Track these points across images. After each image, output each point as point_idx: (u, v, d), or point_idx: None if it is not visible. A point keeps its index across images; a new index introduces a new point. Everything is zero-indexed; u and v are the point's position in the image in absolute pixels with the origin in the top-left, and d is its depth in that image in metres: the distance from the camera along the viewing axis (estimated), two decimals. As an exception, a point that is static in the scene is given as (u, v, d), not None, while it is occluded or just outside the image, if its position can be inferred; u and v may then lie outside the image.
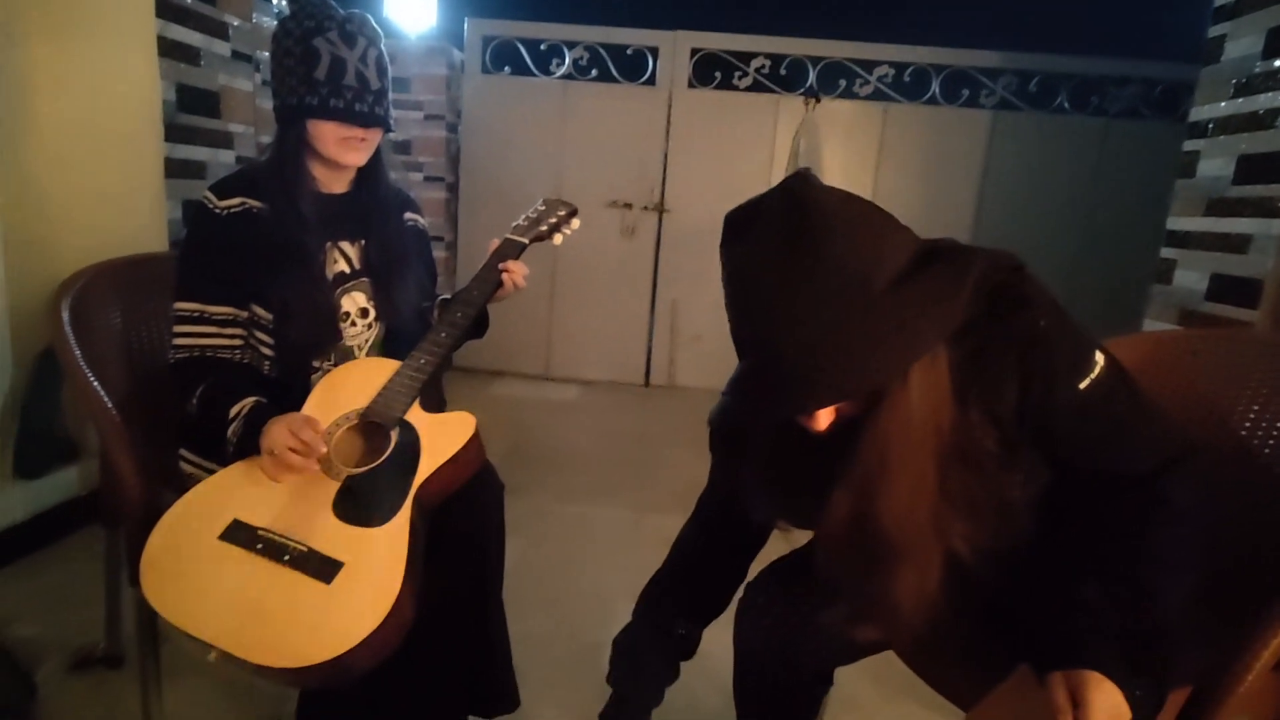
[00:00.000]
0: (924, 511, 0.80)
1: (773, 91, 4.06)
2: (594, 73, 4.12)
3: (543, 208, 1.45)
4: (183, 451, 1.26)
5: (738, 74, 4.08)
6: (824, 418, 0.78)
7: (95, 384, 1.25)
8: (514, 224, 1.42)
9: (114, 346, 1.41)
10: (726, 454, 1.05)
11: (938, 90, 3.99)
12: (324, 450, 1.06)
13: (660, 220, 4.16)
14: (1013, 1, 4.37)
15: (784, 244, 0.72)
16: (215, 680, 1.45)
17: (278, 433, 1.06)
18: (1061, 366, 0.79)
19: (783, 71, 4.06)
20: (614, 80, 4.11)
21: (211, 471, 1.18)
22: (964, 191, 4.03)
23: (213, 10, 2.31)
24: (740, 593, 1.13)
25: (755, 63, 4.06)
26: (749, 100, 4.07)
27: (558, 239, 1.44)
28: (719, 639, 1.15)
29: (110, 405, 1.25)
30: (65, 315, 1.30)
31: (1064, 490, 0.88)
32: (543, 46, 4.11)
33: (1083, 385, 0.80)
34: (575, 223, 1.46)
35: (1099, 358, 0.81)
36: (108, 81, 2.04)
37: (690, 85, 4.07)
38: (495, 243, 1.38)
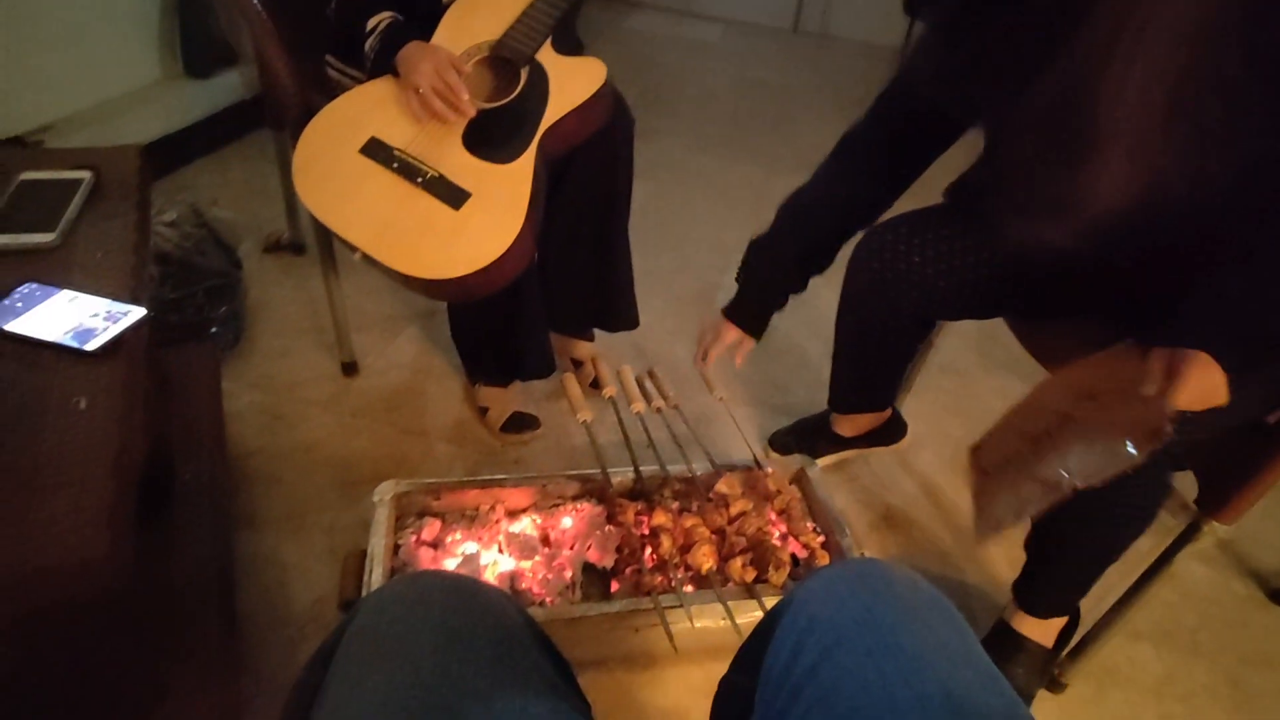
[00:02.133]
0: (1150, 106, 0.69)
1: None
2: None
3: None
4: (328, 58, 1.28)
5: None
6: None
7: (240, -22, 1.25)
8: None
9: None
10: (920, 7, 0.93)
11: None
12: (469, 105, 1.06)
13: None
14: None
15: None
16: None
17: (423, 70, 1.05)
18: None
19: None
20: None
21: (356, 80, 1.22)
22: None
23: None
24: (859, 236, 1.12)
25: None
26: None
27: None
28: (833, 282, 1.19)
29: (259, 5, 1.26)
30: (199, -104, 1.25)
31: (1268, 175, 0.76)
32: None
33: None
34: None
35: None
36: None
37: None
38: None
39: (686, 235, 2.05)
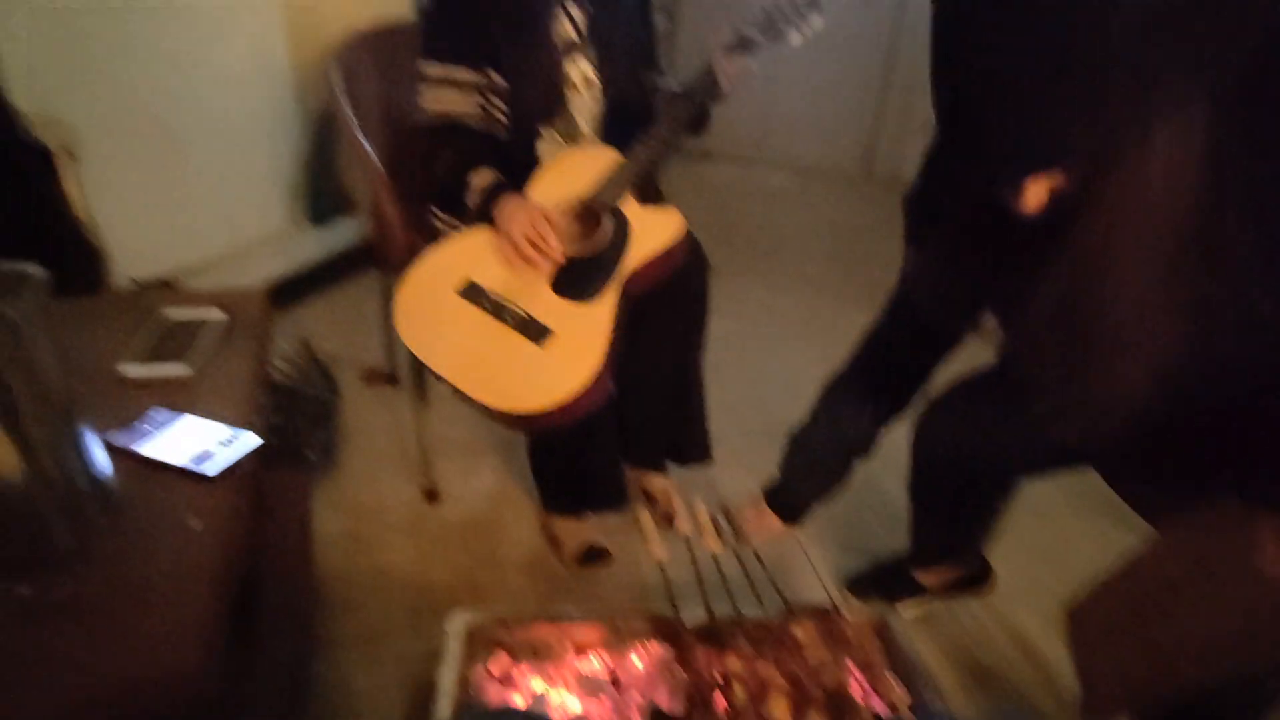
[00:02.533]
0: (1157, 298, 0.70)
1: None
2: None
3: (782, 0, 1.31)
4: (433, 208, 1.42)
5: None
6: (1034, 195, 0.69)
7: (366, 144, 1.43)
8: (748, 17, 1.30)
9: (377, 110, 1.57)
10: (921, 238, 0.98)
11: None
12: (559, 253, 1.16)
13: (907, -18, 3.61)
14: None
15: None
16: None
17: (519, 221, 1.16)
18: None
19: None
20: None
21: (457, 228, 1.34)
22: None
23: None
24: (921, 404, 1.13)
25: None
26: None
27: (795, 38, 1.30)
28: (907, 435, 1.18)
29: (377, 162, 1.43)
30: (337, 77, 1.46)
31: None
32: None
33: None
34: (817, 21, 1.30)
35: None
36: None
37: None
38: (724, 35, 1.29)
39: (761, 371, 2.09)
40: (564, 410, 1.09)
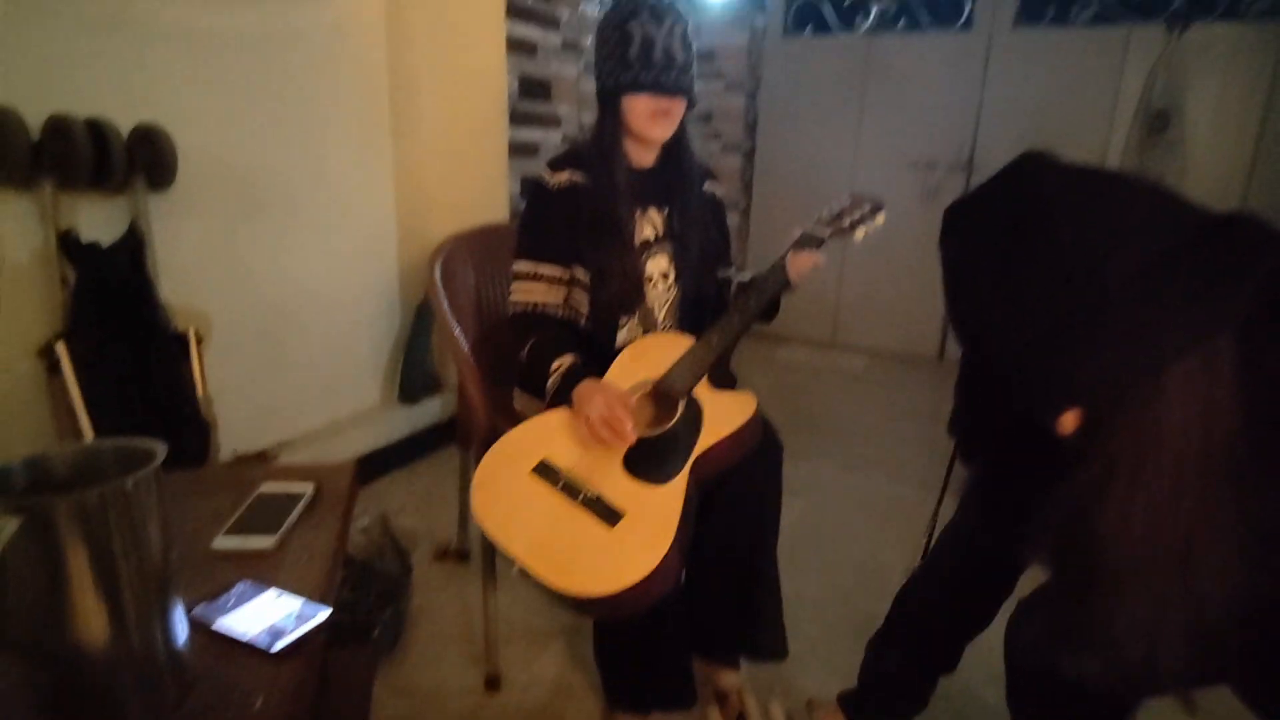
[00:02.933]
0: (1167, 536, 0.66)
1: (1121, 22, 3.46)
2: (901, 22, 3.87)
3: (847, 202, 1.43)
4: (516, 390, 1.49)
5: (1077, 6, 3.54)
6: (1069, 420, 0.69)
7: (457, 331, 1.54)
8: (816, 216, 1.42)
9: (469, 300, 1.71)
10: (970, 459, 0.96)
11: (1374, -3, 3.06)
12: (633, 435, 1.19)
13: (968, 180, 3.81)
14: None
15: (1003, 234, 0.65)
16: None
17: (596, 403, 1.21)
18: None
19: (1138, -3, 3.43)
20: (924, 29, 3.82)
21: (537, 409, 1.40)
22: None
23: (547, 7, 2.62)
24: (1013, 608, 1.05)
25: (1102, -10, 3.48)
26: (1089, 36, 3.51)
27: (860, 234, 1.40)
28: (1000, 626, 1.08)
29: (466, 349, 1.53)
30: (437, 274, 1.61)
31: None
32: (847, 2, 3.95)
33: None
34: (880, 219, 1.41)
35: None
36: (469, 77, 2.44)
37: (1015, 24, 3.63)
38: (795, 233, 1.40)
39: (839, 560, 1.99)
40: (632, 595, 1.06)
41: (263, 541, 0.96)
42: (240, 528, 0.98)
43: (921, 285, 4.01)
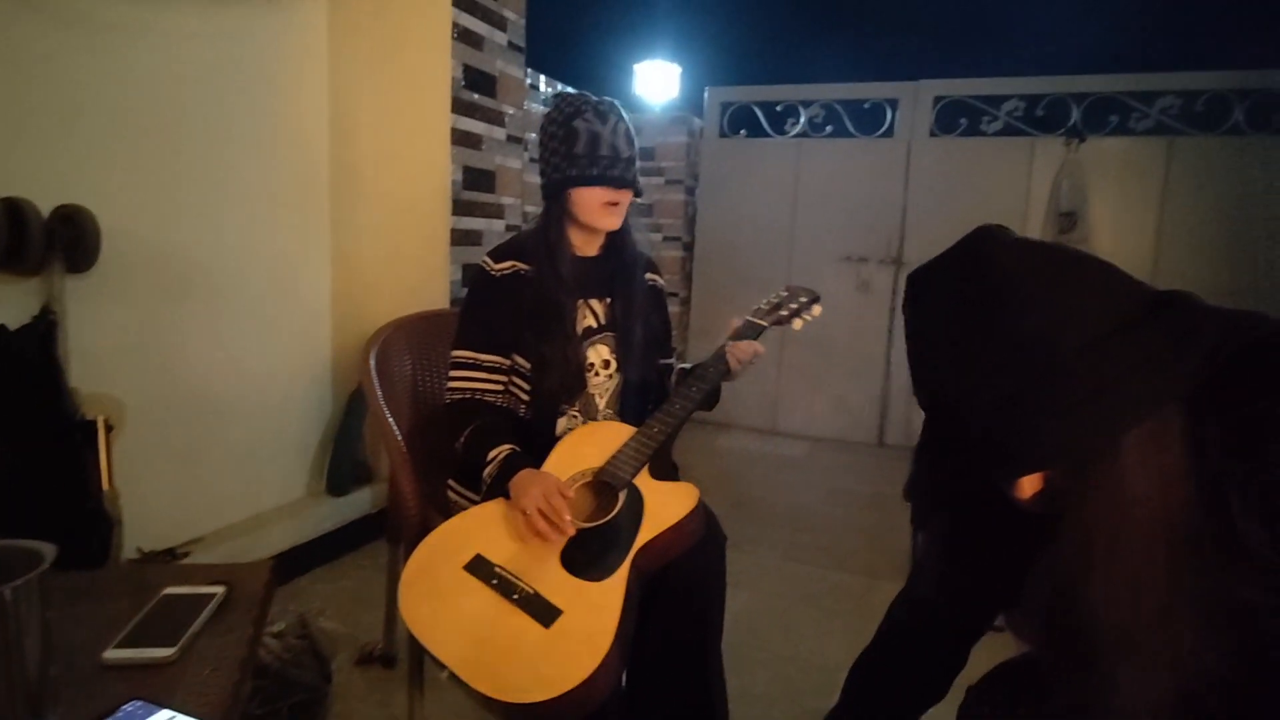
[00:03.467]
0: (1149, 605, 0.67)
1: (1027, 134, 3.77)
2: (829, 129, 4.13)
3: (785, 293, 1.49)
4: (451, 482, 1.44)
5: (986, 119, 3.85)
6: (1028, 485, 0.70)
7: (390, 420, 1.49)
8: (755, 307, 1.46)
9: (405, 387, 1.66)
10: (925, 524, 0.97)
11: (1242, 118, 3.43)
12: (569, 525, 1.15)
13: (896, 273, 4.01)
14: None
15: (961, 304, 0.68)
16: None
17: (532, 494, 1.17)
18: None
19: (1039, 112, 3.76)
20: (850, 135, 4.09)
21: (473, 502, 1.35)
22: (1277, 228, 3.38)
23: (493, 103, 2.70)
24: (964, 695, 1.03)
25: (1007, 105, 3.81)
26: (999, 145, 3.81)
27: (797, 324, 1.46)
28: None
29: (400, 438, 1.48)
30: (372, 361, 1.57)
31: None
32: (778, 108, 4.22)
33: None
34: (817, 309, 1.47)
35: None
36: (413, 166, 2.46)
37: (932, 134, 3.91)
38: (735, 323, 1.43)
39: (786, 653, 1.93)
40: (572, 700, 0.99)
41: (161, 652, 0.86)
42: (136, 637, 0.89)
43: (858, 373, 4.13)
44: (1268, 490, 0.65)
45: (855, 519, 3.00)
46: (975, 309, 0.68)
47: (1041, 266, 0.68)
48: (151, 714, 0.76)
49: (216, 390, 2.03)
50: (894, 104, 3.98)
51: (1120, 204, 3.61)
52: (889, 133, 4.00)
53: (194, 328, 1.96)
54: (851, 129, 4.08)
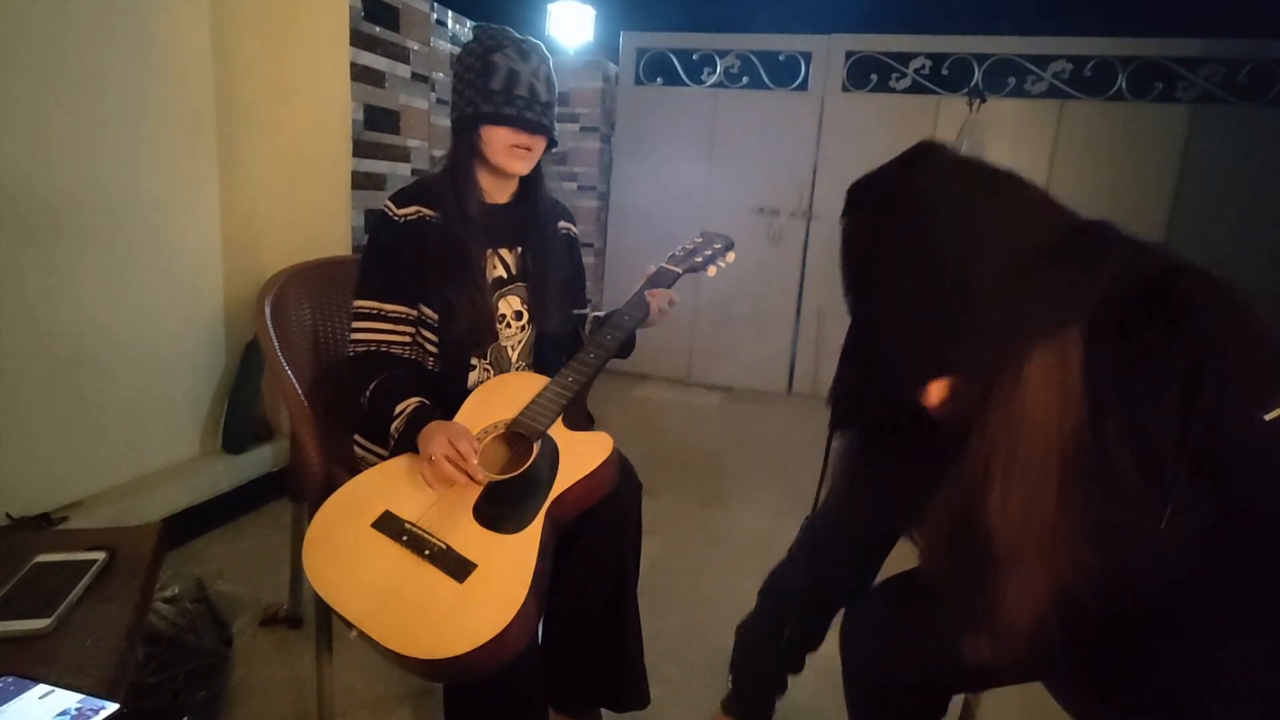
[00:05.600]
0: (1040, 521, 0.72)
1: (933, 92, 3.88)
2: (745, 80, 4.12)
3: (699, 239, 1.48)
4: (357, 437, 1.38)
5: (895, 75, 3.93)
6: (935, 393, 0.74)
7: (289, 372, 1.41)
8: (670, 254, 1.45)
9: (305, 339, 1.58)
10: (842, 426, 1.00)
11: (1124, 84, 3.64)
12: (478, 469, 1.12)
13: (808, 227, 4.09)
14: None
15: (887, 218, 0.71)
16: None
17: (438, 441, 1.14)
18: (1242, 387, 0.67)
19: (944, 71, 3.86)
20: (765, 87, 4.09)
21: (381, 458, 1.30)
22: (1155, 194, 3.63)
23: (396, 37, 2.54)
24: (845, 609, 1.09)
25: (914, 63, 3.89)
26: (906, 102, 3.90)
27: (712, 271, 1.46)
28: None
29: (300, 392, 1.41)
30: (267, 311, 1.47)
31: (1227, 532, 0.76)
32: (695, 56, 4.16)
33: (1271, 416, 0.67)
34: (731, 256, 1.48)
35: None
36: (310, 104, 2.29)
37: (844, 89, 3.96)
38: (650, 269, 1.42)
39: (697, 595, 2.00)
40: (486, 654, 0.99)
41: (33, 624, 0.80)
42: (5, 609, 0.82)
43: (769, 324, 4.22)
44: (1134, 418, 0.69)
45: (763, 463, 3.10)
46: (900, 223, 0.70)
47: (969, 191, 0.71)
48: (25, 690, 0.71)
49: (94, 342, 1.87)
50: (808, 58, 3.99)
51: (1014, 164, 3.75)
52: (803, 86, 4.03)
53: (67, 273, 1.78)
54: (767, 81, 4.08)
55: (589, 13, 3.99)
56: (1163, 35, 3.56)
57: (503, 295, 1.36)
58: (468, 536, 1.09)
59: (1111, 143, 3.65)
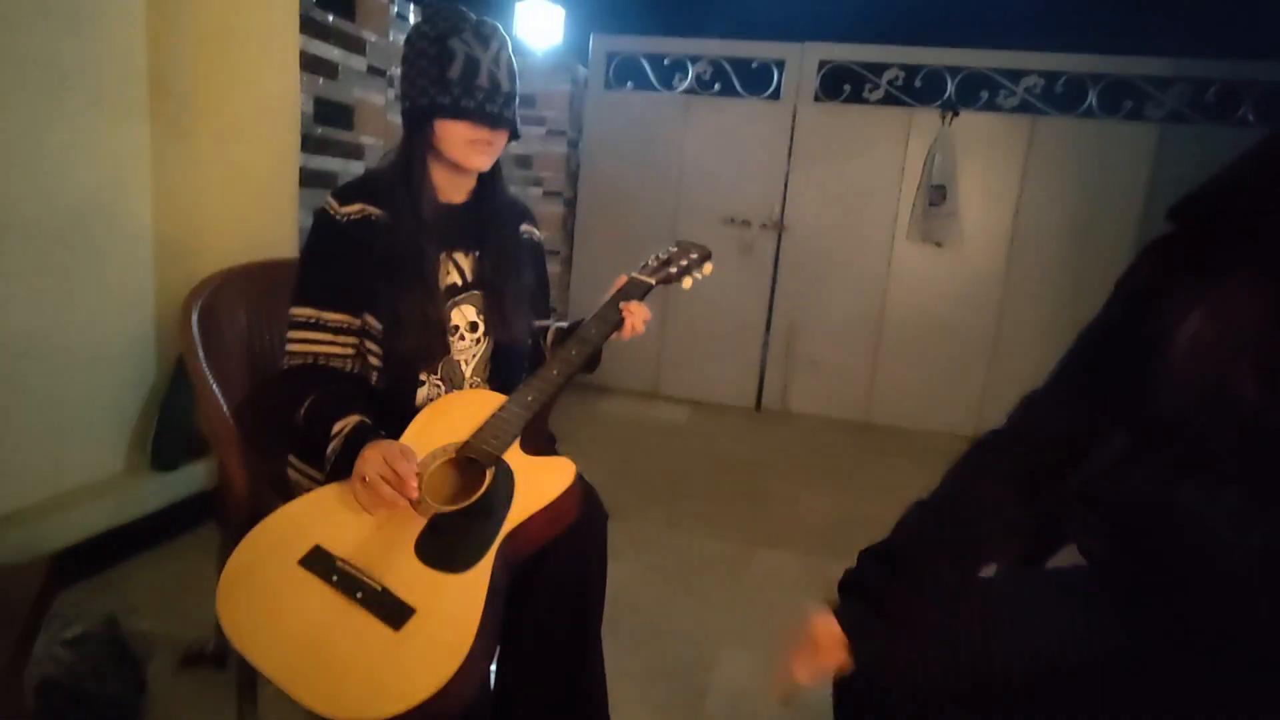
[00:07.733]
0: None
1: (906, 104, 3.84)
2: (716, 86, 4.04)
3: (674, 249, 1.36)
4: (291, 459, 1.24)
5: (868, 86, 3.89)
6: None
7: (214, 385, 1.27)
8: (642, 263, 1.33)
9: (239, 348, 1.43)
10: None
11: (1094, 101, 3.64)
12: (415, 489, 1.00)
13: (779, 239, 4.01)
14: (1188, 2, 3.94)
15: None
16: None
17: (373, 460, 1.01)
18: None
19: (917, 83, 3.83)
20: (737, 94, 4.02)
21: (318, 483, 1.16)
22: (1125, 211, 3.63)
23: (351, 27, 2.40)
24: None
25: (888, 74, 3.85)
26: (879, 114, 3.86)
27: (687, 282, 1.34)
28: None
29: (225, 409, 1.26)
30: (194, 317, 1.33)
31: None
32: (666, 61, 4.08)
33: None
34: (708, 267, 1.36)
35: None
36: (254, 95, 2.13)
37: (816, 99, 3.91)
38: (620, 280, 1.29)
39: (665, 627, 1.87)
40: (423, 714, 0.85)
41: None
42: None
43: (738, 337, 4.14)
44: None
45: (733, 484, 2.99)
46: None
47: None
48: None
49: (2, 347, 1.69)
50: (780, 65, 3.94)
51: (986, 179, 3.76)
52: (775, 94, 3.96)
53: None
54: (739, 88, 4.01)
55: (559, 13, 3.88)
56: (1132, 54, 3.57)
57: (456, 304, 1.23)
58: (407, 576, 0.96)
59: (1082, 159, 3.65)
